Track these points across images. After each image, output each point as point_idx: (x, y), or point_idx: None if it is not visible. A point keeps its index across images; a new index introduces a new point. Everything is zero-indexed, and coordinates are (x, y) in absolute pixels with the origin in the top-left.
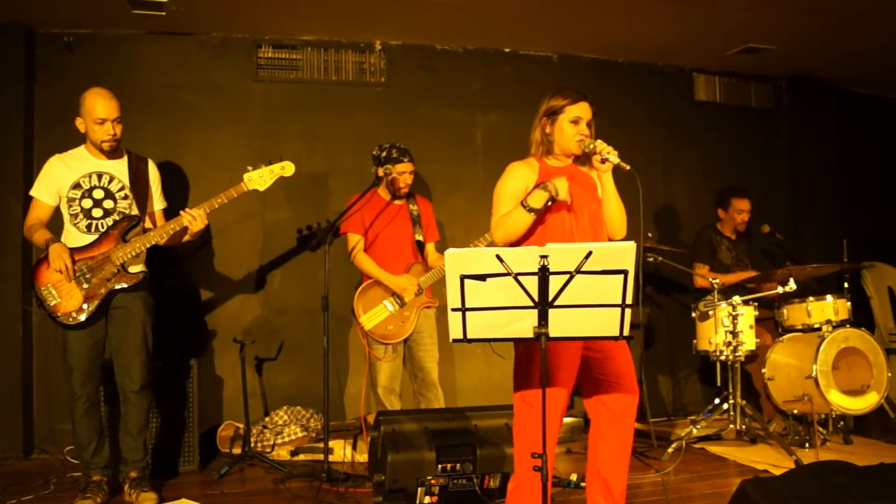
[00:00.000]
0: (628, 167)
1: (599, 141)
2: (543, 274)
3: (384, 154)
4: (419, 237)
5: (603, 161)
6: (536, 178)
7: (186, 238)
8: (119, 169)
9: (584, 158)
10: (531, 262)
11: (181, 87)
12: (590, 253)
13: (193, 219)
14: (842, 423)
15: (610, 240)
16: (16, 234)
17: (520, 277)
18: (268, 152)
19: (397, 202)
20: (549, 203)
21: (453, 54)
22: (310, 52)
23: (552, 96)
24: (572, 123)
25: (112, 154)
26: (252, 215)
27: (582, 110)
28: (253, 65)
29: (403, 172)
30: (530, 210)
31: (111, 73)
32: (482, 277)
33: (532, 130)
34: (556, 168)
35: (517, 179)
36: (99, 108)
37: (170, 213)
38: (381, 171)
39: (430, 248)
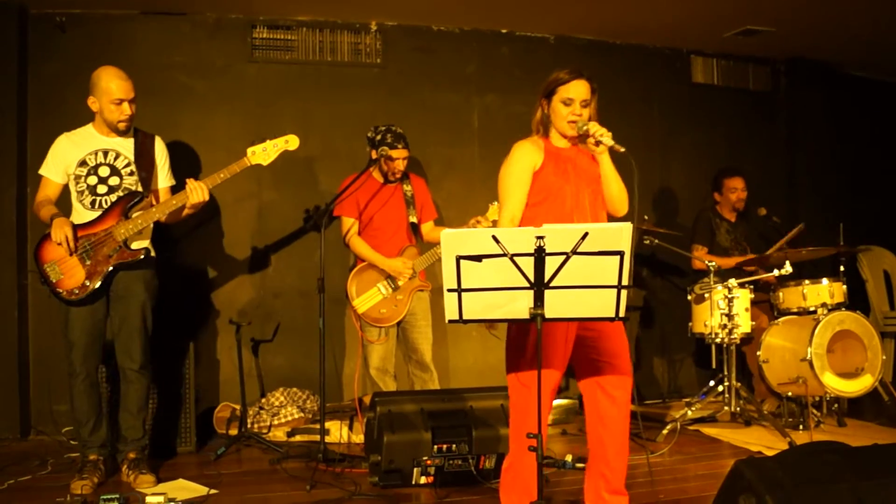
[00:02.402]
0: (622, 149)
1: (592, 123)
2: (539, 255)
3: (379, 137)
4: (413, 219)
5: (597, 144)
6: (543, 158)
7: (186, 212)
8: (125, 146)
9: (584, 138)
10: (527, 242)
11: (175, 68)
12: (586, 234)
13: (193, 189)
14: (836, 405)
15: (611, 220)
16: (10, 213)
17: (516, 258)
18: (262, 134)
19: (390, 184)
20: None
21: (449, 35)
22: (305, 32)
23: (549, 77)
24: (564, 104)
25: (122, 132)
26: (248, 197)
27: (574, 90)
28: (247, 46)
29: (397, 159)
30: None
31: (104, 54)
32: (478, 258)
33: (535, 111)
34: (560, 148)
35: (524, 160)
36: (117, 88)
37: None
38: (374, 154)
39: (426, 226)
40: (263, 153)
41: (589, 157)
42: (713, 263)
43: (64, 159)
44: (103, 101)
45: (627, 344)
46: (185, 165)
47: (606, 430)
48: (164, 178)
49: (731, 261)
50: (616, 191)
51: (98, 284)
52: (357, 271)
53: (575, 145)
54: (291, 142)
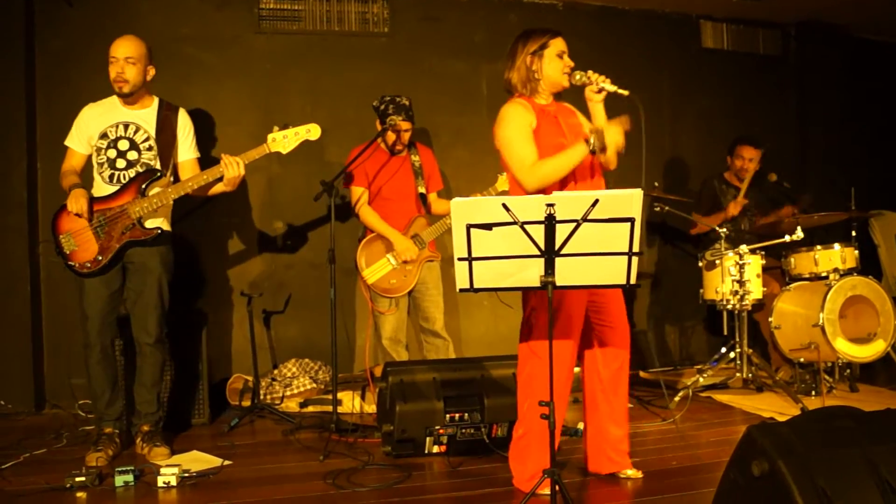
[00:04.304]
0: (627, 93)
1: (591, 71)
2: (550, 222)
3: (382, 107)
4: (422, 190)
5: (599, 91)
6: (536, 118)
7: (222, 188)
8: (146, 119)
9: (560, 94)
10: (537, 210)
11: (183, 40)
12: (596, 201)
13: (229, 164)
14: (848, 371)
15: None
16: (20, 187)
17: (526, 226)
18: (271, 105)
19: (399, 155)
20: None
21: (457, 3)
22: (312, 2)
23: (529, 35)
24: (559, 57)
25: (129, 98)
26: (258, 168)
27: (563, 44)
28: (255, 16)
29: (399, 130)
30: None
31: (112, 27)
32: (488, 226)
33: (511, 71)
34: (544, 105)
35: (522, 119)
36: (114, 47)
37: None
38: (378, 125)
39: (432, 197)
40: (284, 141)
41: (571, 111)
42: (723, 229)
43: (87, 130)
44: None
45: (625, 310)
46: (196, 138)
47: (605, 398)
48: (186, 151)
49: (713, 219)
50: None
51: (109, 259)
52: (366, 242)
53: (555, 102)
54: (313, 131)
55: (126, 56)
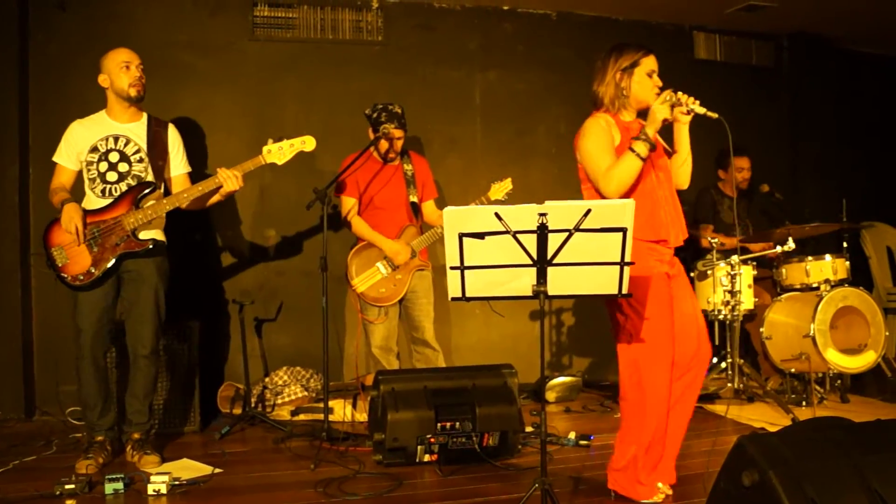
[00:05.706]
0: (716, 115)
1: (681, 92)
2: (542, 232)
3: (375, 115)
4: (413, 199)
5: (688, 112)
6: (620, 135)
7: (217, 199)
8: (136, 132)
9: (642, 113)
10: (530, 219)
11: (176, 46)
12: (588, 210)
13: (228, 178)
14: (839, 381)
15: (677, 190)
16: (12, 193)
17: (518, 235)
18: (264, 112)
19: (391, 163)
20: (651, 151)
21: (451, 12)
22: (306, 10)
23: (622, 51)
24: (649, 76)
25: (134, 103)
26: (250, 175)
27: (654, 63)
28: (249, 23)
29: (392, 138)
30: (641, 158)
31: (105, 33)
32: (480, 235)
33: (601, 86)
34: (628, 123)
35: (605, 133)
36: (124, 52)
37: (195, 179)
38: (371, 134)
39: (427, 206)
40: (279, 152)
41: None
42: (716, 240)
43: (76, 146)
44: (113, 72)
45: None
46: (187, 144)
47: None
48: (177, 166)
49: (735, 240)
50: (689, 161)
51: (103, 272)
52: (357, 250)
53: (637, 119)
54: (308, 143)
55: (138, 63)
